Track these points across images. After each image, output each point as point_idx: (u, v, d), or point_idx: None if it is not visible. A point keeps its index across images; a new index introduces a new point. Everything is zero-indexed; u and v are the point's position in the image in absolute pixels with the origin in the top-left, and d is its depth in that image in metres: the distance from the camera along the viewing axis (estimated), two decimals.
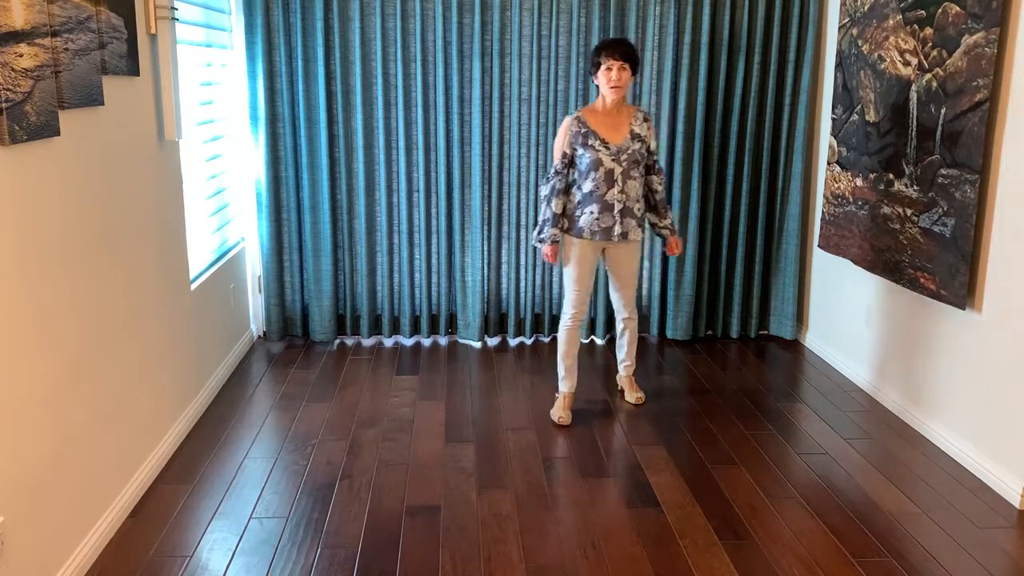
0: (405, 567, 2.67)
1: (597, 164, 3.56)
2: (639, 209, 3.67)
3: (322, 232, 4.67)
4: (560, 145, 3.63)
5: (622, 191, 3.58)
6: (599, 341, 4.89)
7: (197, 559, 2.71)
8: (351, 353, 4.67)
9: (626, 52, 3.52)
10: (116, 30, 2.87)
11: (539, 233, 3.70)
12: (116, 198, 2.94)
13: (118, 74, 2.90)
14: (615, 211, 3.59)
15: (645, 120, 3.65)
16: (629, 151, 3.58)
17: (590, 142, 3.57)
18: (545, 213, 3.67)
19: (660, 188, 3.75)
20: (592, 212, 3.59)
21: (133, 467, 3.05)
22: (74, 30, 2.54)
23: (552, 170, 3.65)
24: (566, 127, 3.62)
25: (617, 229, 3.61)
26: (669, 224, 3.81)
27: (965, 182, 3.31)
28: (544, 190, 3.67)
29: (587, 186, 3.59)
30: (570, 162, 3.64)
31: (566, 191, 3.66)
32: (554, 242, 3.68)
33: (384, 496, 3.11)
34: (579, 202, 3.62)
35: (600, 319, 4.85)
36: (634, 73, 3.58)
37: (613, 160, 3.56)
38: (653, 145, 3.68)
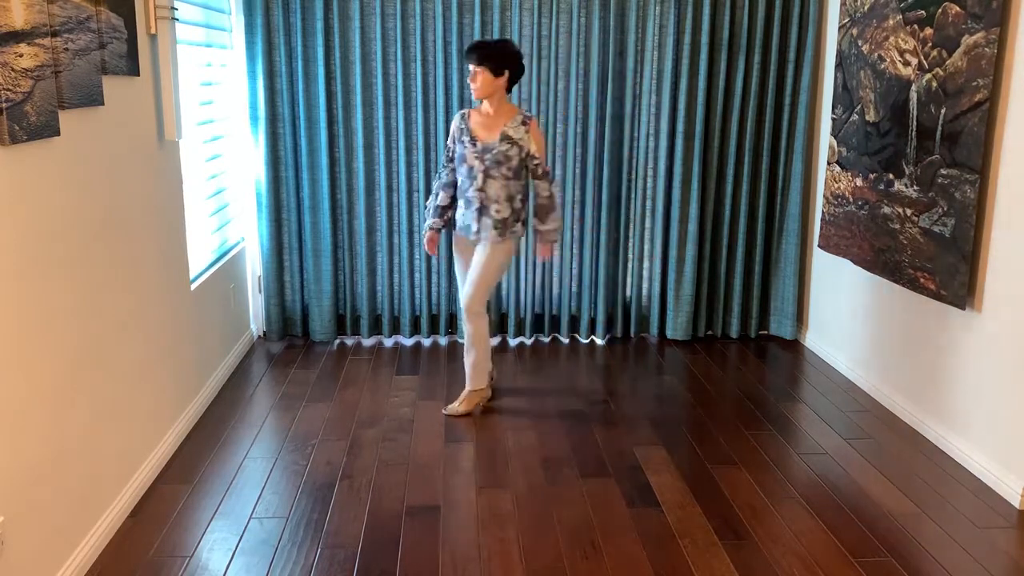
0: (405, 567, 2.67)
1: (463, 159, 3.66)
2: (499, 211, 3.63)
3: (322, 232, 4.67)
4: (448, 140, 3.78)
5: (480, 189, 3.63)
6: (599, 341, 4.89)
7: (197, 559, 2.71)
8: (351, 353, 4.67)
9: (480, 55, 3.53)
10: (116, 30, 2.87)
11: (425, 223, 3.84)
12: (116, 198, 2.94)
13: (118, 74, 2.90)
14: (473, 208, 3.66)
15: (523, 123, 3.63)
16: (494, 151, 3.59)
17: (463, 138, 3.66)
18: (430, 203, 3.80)
19: (545, 193, 3.72)
20: (461, 207, 3.73)
21: (133, 467, 3.05)
22: (74, 30, 2.54)
23: (442, 163, 3.79)
24: (454, 123, 3.72)
25: (473, 227, 3.68)
26: (549, 230, 3.77)
27: (965, 182, 3.31)
28: (435, 183, 3.82)
29: (459, 181, 3.72)
30: (452, 156, 3.76)
31: (453, 185, 3.78)
32: (434, 230, 3.81)
33: (384, 496, 3.11)
34: (456, 197, 3.77)
35: (600, 319, 4.85)
36: (497, 74, 3.54)
37: (476, 157, 3.62)
38: (532, 149, 3.63)
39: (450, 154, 3.75)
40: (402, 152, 4.63)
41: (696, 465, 3.38)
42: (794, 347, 4.85)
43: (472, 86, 3.59)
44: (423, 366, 4.48)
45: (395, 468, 3.33)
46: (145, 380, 3.18)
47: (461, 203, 3.72)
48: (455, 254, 3.88)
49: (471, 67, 3.57)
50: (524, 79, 4.58)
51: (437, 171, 3.85)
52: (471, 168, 3.64)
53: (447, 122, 4.58)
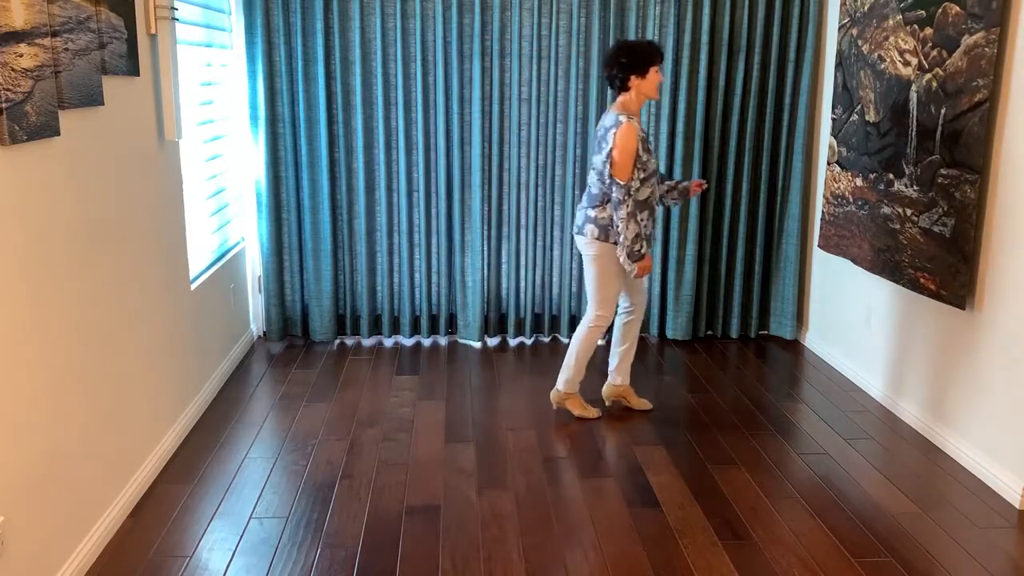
0: (405, 567, 2.67)
1: (656, 170, 3.53)
2: None
3: (322, 232, 4.67)
4: (636, 151, 3.37)
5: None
6: (599, 341, 4.89)
7: (197, 559, 2.71)
8: (351, 353, 4.67)
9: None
10: (116, 30, 2.88)
11: (638, 248, 3.44)
12: (116, 198, 2.94)
13: (118, 74, 2.90)
14: (654, 216, 3.60)
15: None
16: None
17: (648, 147, 3.49)
18: (634, 228, 3.41)
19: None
20: (646, 218, 3.48)
21: (133, 467, 3.05)
22: (74, 30, 2.54)
23: (631, 183, 3.37)
24: (637, 132, 3.37)
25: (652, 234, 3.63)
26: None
27: (965, 182, 3.31)
28: (631, 206, 3.38)
29: (644, 192, 3.45)
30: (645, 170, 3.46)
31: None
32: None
33: (384, 496, 3.11)
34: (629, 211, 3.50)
35: None
36: (613, 75, 3.50)
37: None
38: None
39: (646, 172, 3.45)
40: (402, 152, 4.63)
41: (696, 465, 3.38)
42: (794, 347, 4.84)
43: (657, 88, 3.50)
44: (423, 366, 4.48)
45: (395, 468, 3.33)
46: (145, 380, 3.18)
47: (647, 213, 3.46)
48: (620, 270, 3.60)
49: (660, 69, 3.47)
50: (524, 79, 4.58)
51: (625, 188, 3.38)
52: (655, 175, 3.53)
53: (447, 122, 4.58)
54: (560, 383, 3.82)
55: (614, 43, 3.54)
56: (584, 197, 3.62)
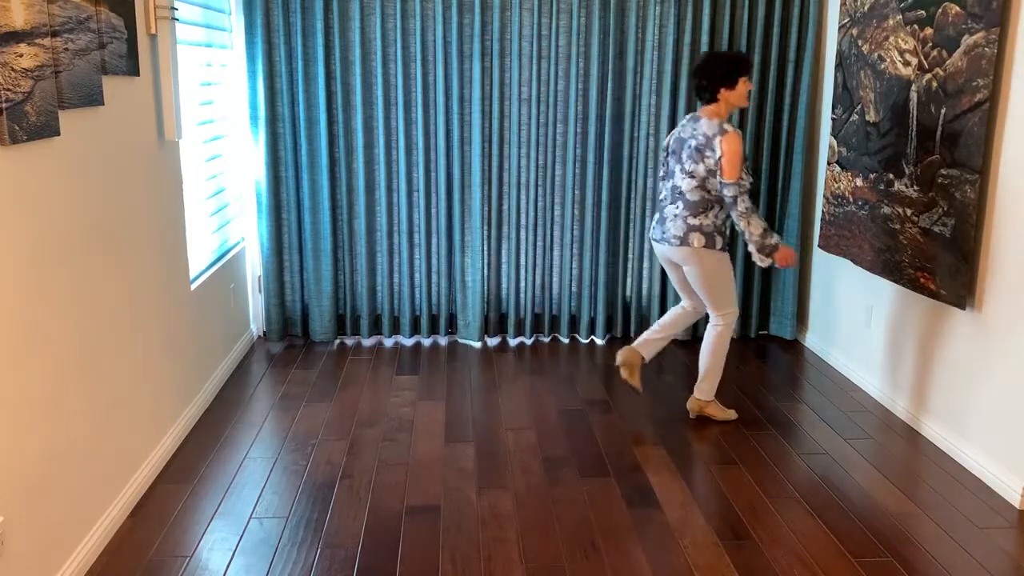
0: (405, 567, 2.67)
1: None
2: None
3: (322, 232, 4.67)
4: (743, 154, 3.46)
5: None
6: (599, 341, 4.89)
7: (197, 559, 2.71)
8: (351, 353, 4.67)
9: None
10: (116, 30, 2.88)
11: (774, 240, 3.46)
12: (116, 198, 2.94)
13: (118, 74, 2.90)
14: None
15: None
16: None
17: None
18: (758, 222, 3.44)
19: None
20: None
21: (133, 467, 3.05)
22: (74, 30, 2.54)
23: (742, 180, 3.42)
24: (741, 137, 3.47)
25: None
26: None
27: (965, 182, 3.31)
28: (747, 202, 3.42)
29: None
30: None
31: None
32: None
33: (384, 496, 3.11)
34: (727, 217, 3.58)
35: (600, 319, 4.85)
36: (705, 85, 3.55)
37: None
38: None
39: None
40: (402, 152, 4.63)
41: (696, 465, 3.38)
42: (794, 347, 4.84)
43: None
44: (423, 366, 4.48)
45: (395, 468, 3.33)
46: (145, 380, 3.18)
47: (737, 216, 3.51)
48: (728, 268, 3.63)
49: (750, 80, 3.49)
50: (524, 79, 4.58)
51: (741, 187, 3.42)
52: None
53: (447, 122, 4.58)
54: (701, 393, 3.80)
55: (704, 55, 3.56)
56: (677, 206, 3.55)
